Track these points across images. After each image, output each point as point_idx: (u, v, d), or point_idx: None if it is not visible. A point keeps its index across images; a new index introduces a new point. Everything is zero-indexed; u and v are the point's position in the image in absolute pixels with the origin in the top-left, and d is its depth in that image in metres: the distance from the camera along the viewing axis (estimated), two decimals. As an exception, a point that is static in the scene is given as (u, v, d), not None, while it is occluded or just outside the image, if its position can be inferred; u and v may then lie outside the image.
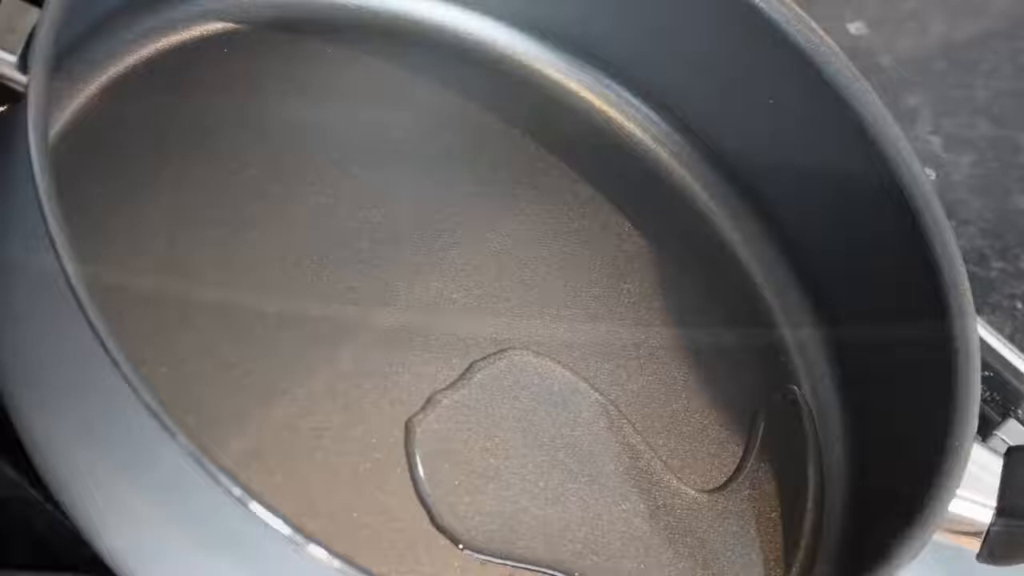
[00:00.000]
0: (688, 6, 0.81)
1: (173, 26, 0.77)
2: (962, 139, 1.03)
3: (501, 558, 0.70)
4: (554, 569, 0.70)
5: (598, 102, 0.86)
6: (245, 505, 0.56)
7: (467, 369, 0.74)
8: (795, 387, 0.81)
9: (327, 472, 0.68)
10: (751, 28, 0.80)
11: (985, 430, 0.86)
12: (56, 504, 0.61)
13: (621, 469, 0.74)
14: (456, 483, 0.71)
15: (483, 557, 0.69)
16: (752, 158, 0.72)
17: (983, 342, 0.84)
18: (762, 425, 0.78)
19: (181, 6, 0.77)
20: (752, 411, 0.78)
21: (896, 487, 0.73)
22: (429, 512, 0.69)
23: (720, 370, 0.77)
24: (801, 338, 0.82)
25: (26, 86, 0.62)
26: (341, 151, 0.78)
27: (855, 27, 1.06)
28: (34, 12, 0.65)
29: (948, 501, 0.69)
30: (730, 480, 0.76)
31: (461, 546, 0.69)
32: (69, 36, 0.66)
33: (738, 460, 0.77)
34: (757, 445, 0.77)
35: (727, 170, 0.85)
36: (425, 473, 0.70)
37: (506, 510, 0.71)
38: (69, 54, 0.70)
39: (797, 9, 0.79)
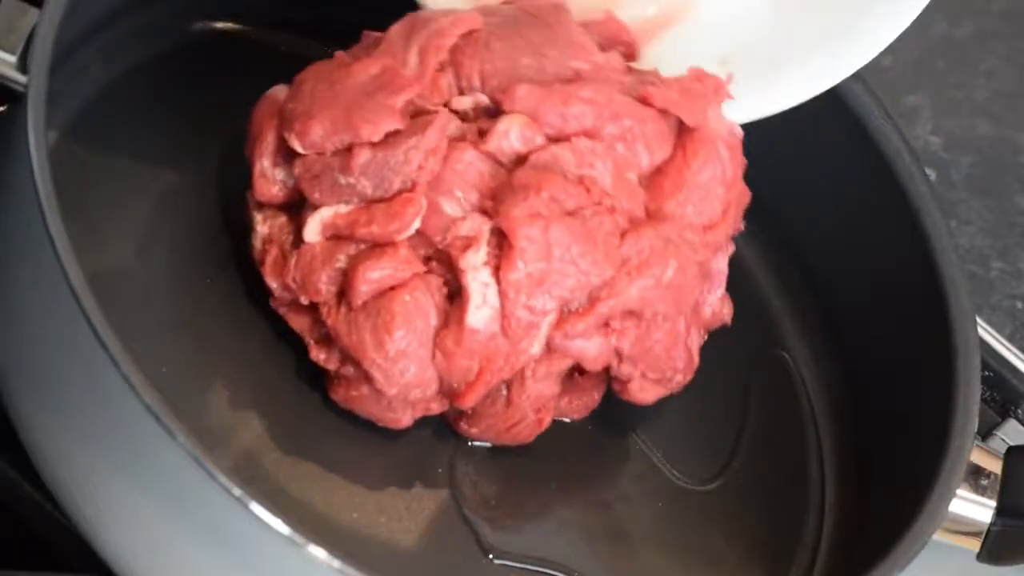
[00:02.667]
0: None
1: (173, 26, 0.77)
2: (962, 139, 1.03)
3: (526, 565, 0.70)
4: (559, 570, 0.70)
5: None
6: (245, 505, 0.56)
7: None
8: (784, 352, 0.81)
9: (338, 476, 0.69)
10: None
11: (985, 430, 0.86)
12: (56, 504, 0.61)
13: (625, 472, 0.75)
14: (493, 501, 0.71)
15: (512, 564, 0.69)
16: (752, 155, 0.72)
17: (983, 342, 0.84)
18: (754, 418, 0.78)
19: (181, 6, 0.77)
20: (744, 411, 0.79)
21: (896, 487, 0.73)
22: (472, 529, 0.69)
23: (716, 363, 0.77)
24: (800, 336, 0.82)
25: (26, 86, 0.62)
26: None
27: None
28: (34, 12, 0.65)
29: (948, 501, 0.69)
30: (726, 468, 0.76)
31: (491, 556, 0.69)
32: (69, 36, 0.66)
33: (732, 447, 0.77)
34: (751, 431, 0.77)
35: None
36: (465, 492, 0.70)
37: (529, 518, 0.72)
38: (69, 54, 0.70)
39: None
